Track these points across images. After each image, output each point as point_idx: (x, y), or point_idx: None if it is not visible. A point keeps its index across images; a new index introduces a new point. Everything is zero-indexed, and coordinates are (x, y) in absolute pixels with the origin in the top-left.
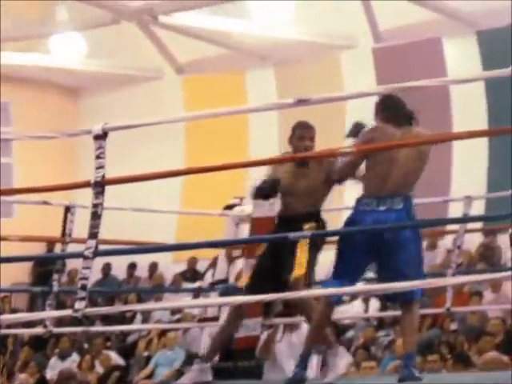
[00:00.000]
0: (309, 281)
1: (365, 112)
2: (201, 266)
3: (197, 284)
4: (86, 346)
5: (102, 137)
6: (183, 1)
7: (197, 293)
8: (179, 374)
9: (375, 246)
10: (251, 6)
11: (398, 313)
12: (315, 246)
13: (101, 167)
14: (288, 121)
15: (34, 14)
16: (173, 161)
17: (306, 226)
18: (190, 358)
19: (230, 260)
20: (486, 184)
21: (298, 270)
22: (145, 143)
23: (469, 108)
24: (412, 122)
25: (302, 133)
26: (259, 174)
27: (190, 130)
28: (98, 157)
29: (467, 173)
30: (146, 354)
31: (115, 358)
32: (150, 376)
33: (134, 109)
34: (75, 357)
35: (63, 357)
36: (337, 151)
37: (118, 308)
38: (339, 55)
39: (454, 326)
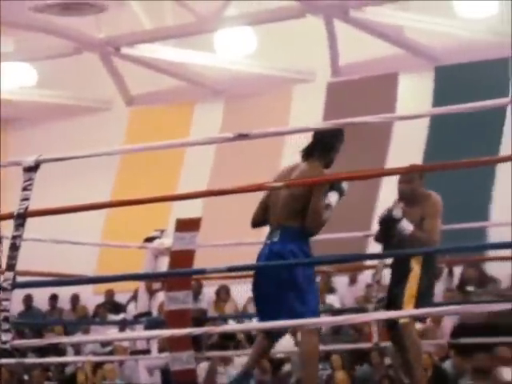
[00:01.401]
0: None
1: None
2: (119, 299)
3: (121, 316)
4: (25, 377)
5: (33, 169)
6: (149, 33)
7: (123, 325)
8: None
9: None
10: (216, 39)
11: (329, 347)
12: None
13: (26, 199)
14: (224, 156)
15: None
16: (102, 192)
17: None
18: None
19: (151, 293)
20: None
21: (410, 289)
22: (77, 174)
23: (407, 142)
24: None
25: None
26: (184, 208)
27: (124, 162)
28: (24, 188)
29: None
30: None
31: None
32: None
33: (76, 140)
34: None
35: None
36: (265, 185)
37: (47, 340)
38: (291, 89)
39: (387, 361)
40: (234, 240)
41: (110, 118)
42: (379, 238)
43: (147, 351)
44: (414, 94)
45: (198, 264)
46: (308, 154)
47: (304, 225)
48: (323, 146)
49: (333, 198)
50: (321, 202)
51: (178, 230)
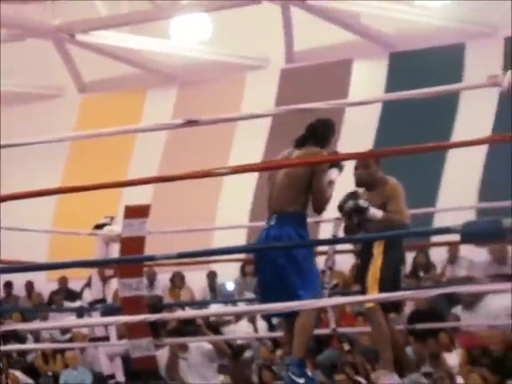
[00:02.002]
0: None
1: (254, 133)
2: (73, 285)
3: (77, 303)
4: None
5: None
6: (105, 20)
7: (80, 312)
8: None
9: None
10: (171, 26)
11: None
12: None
13: None
14: (175, 142)
15: None
16: (52, 179)
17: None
18: (99, 381)
19: (104, 280)
20: None
21: (373, 269)
22: (27, 161)
23: (358, 129)
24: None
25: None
26: (134, 194)
27: (74, 149)
28: None
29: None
30: (50, 373)
31: (23, 378)
32: None
33: (27, 127)
34: None
35: None
36: (213, 171)
37: (6, 327)
38: (244, 76)
39: (346, 347)
40: (184, 225)
41: (62, 104)
42: (349, 228)
43: (106, 338)
44: (368, 80)
45: (152, 251)
46: (302, 143)
47: (300, 209)
48: (316, 137)
49: (334, 174)
50: (323, 181)
51: (127, 216)
